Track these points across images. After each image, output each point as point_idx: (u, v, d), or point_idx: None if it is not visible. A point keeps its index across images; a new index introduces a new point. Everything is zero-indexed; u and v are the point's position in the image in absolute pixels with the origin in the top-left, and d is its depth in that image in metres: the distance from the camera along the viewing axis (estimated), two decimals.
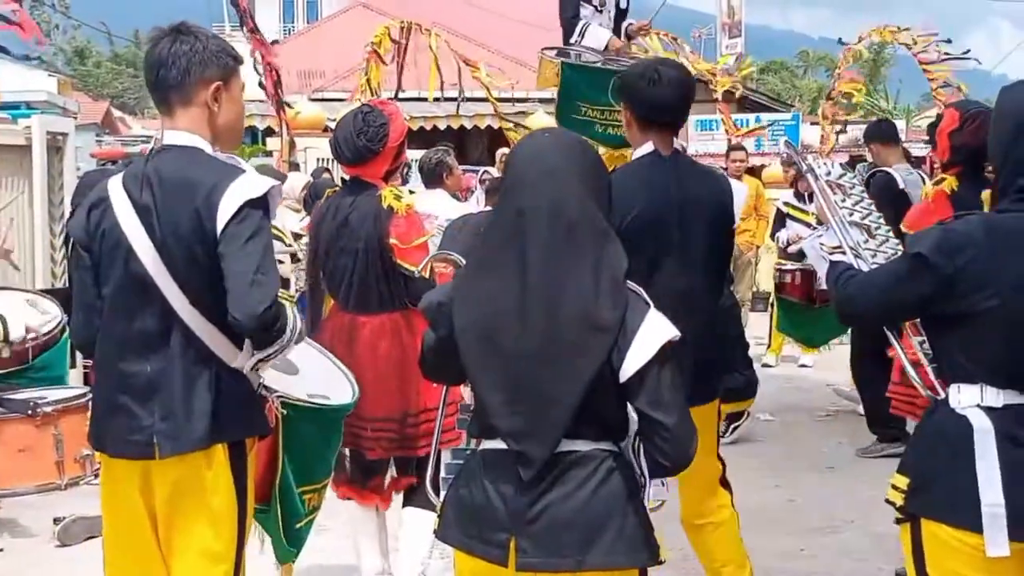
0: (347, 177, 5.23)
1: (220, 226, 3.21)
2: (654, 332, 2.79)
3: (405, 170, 5.40)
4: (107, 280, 3.38)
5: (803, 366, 11.57)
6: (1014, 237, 3.01)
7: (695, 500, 4.62)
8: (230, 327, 3.25)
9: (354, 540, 5.33)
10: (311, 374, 3.93)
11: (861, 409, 8.57)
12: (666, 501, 3.06)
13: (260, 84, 12.36)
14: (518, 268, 2.80)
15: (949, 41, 10.54)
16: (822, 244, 3.70)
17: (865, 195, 4.09)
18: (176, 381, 3.29)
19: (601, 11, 7.51)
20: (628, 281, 2.85)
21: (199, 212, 3.23)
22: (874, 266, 3.48)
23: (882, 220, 3.97)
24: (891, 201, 6.58)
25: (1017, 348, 2.97)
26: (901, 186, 7.44)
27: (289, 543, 3.92)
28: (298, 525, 3.91)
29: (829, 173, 4.06)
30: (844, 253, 3.55)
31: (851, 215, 3.83)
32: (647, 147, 4.42)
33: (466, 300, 2.87)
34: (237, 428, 3.38)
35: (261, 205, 3.28)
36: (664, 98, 4.35)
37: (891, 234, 3.90)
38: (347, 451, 5.07)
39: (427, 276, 4.79)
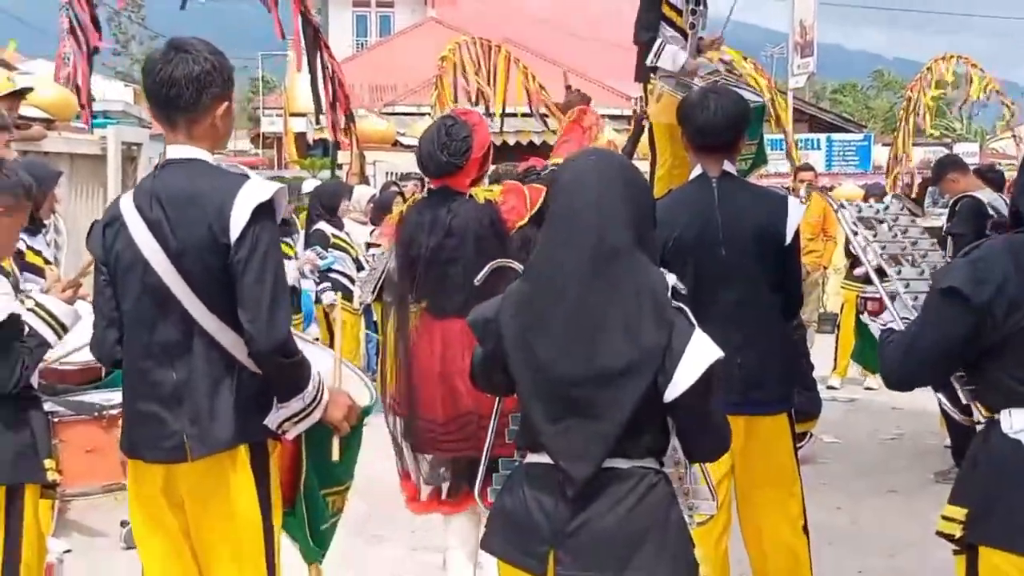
0: (433, 187, 5.18)
1: (234, 236, 3.30)
2: (700, 354, 2.81)
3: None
4: (126, 294, 3.47)
5: (868, 388, 11.46)
6: None
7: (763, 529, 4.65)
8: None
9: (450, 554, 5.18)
10: (330, 379, 3.97)
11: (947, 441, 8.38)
12: (714, 515, 3.08)
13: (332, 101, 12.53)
14: (563, 293, 2.85)
15: None
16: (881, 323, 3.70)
17: (913, 225, 4.11)
18: (201, 386, 3.37)
19: (687, 36, 7.48)
20: (673, 300, 2.88)
21: (211, 223, 3.31)
22: (911, 301, 3.50)
23: (935, 245, 4.02)
24: (977, 224, 7.30)
25: None
26: (989, 211, 7.78)
27: (315, 543, 3.97)
28: (323, 527, 3.95)
29: (860, 210, 4.09)
30: (893, 321, 3.55)
31: (883, 248, 3.86)
32: (697, 170, 4.67)
33: (513, 320, 2.92)
34: (259, 429, 3.45)
35: (269, 209, 3.36)
36: (713, 125, 4.55)
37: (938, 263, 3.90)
38: (441, 469, 5.07)
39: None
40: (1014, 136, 15.26)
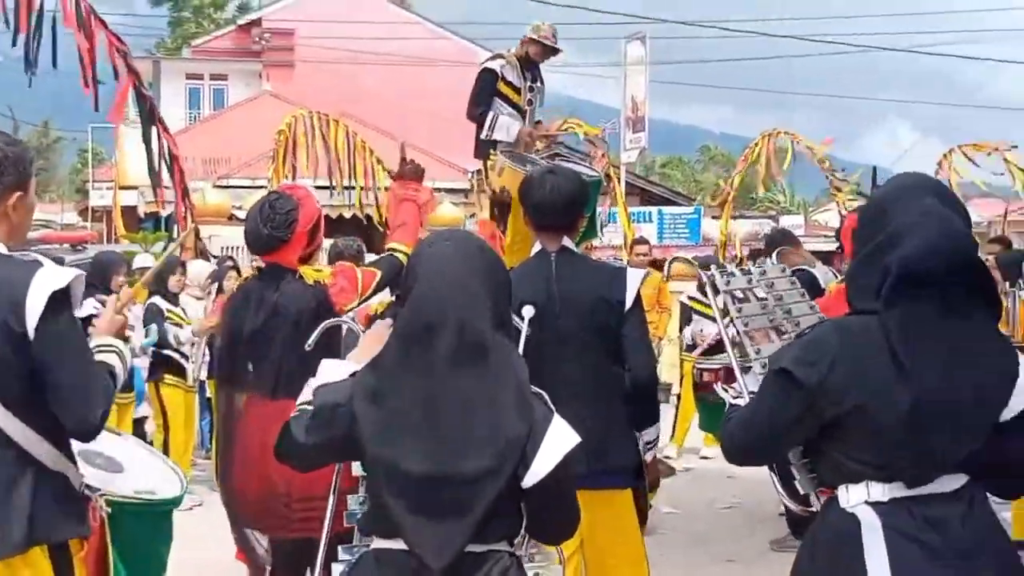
0: (263, 265, 5.11)
1: (31, 325, 3.17)
2: (559, 441, 2.82)
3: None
4: None
5: (704, 457, 11.63)
6: (863, 339, 3.02)
7: None
8: (48, 430, 3.23)
9: None
10: (136, 470, 3.86)
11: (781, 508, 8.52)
12: None
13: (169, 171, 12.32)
14: (424, 380, 2.81)
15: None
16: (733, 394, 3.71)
17: (791, 288, 4.14)
18: None
19: (525, 113, 7.65)
20: (531, 387, 2.87)
21: (4, 314, 3.18)
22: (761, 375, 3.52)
23: (814, 309, 4.07)
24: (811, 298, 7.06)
25: (891, 444, 2.98)
26: (823, 284, 7.82)
27: None
28: None
29: (730, 281, 4.08)
30: (741, 396, 3.58)
31: (746, 325, 3.88)
32: (537, 246, 4.78)
33: (369, 410, 2.84)
34: (55, 530, 3.30)
35: (65, 297, 3.25)
36: (551, 203, 4.68)
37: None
38: (260, 546, 4.93)
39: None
40: (839, 207, 15.82)
